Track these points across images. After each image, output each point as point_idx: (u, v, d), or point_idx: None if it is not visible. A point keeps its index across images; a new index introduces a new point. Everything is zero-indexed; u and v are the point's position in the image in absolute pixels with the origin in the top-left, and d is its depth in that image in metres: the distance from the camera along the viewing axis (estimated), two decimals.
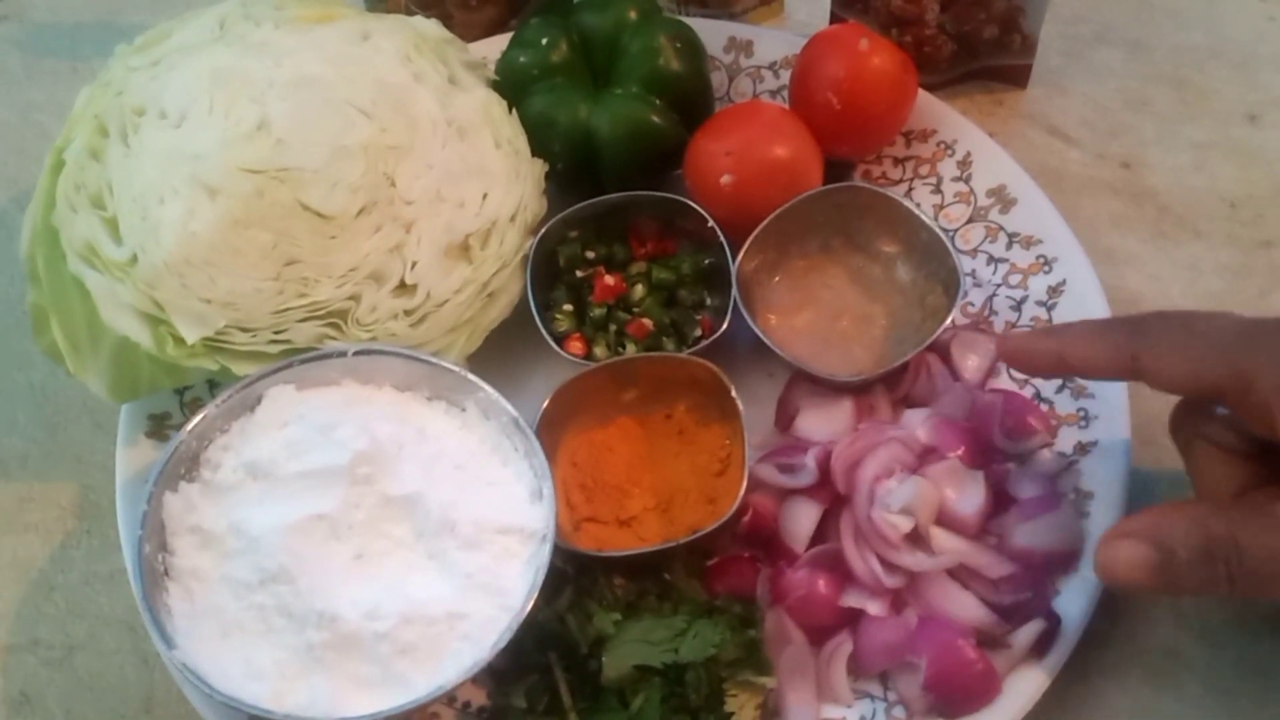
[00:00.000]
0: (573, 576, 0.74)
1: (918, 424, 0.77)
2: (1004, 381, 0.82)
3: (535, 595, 0.68)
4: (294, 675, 0.67)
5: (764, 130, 0.84)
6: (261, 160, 0.77)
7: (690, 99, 0.88)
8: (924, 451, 0.76)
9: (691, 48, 0.88)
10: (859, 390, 0.81)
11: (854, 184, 0.85)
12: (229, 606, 0.69)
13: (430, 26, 0.88)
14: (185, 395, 0.83)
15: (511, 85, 0.88)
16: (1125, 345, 0.66)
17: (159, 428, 0.82)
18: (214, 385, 0.83)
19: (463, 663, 0.67)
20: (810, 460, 0.75)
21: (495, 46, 0.94)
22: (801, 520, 0.75)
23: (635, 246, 0.88)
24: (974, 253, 0.87)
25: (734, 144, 0.83)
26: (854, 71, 0.84)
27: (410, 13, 1.00)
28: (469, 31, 1.00)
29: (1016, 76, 0.98)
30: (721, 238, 0.84)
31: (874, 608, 0.72)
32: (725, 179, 0.83)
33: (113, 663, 0.80)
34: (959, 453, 0.75)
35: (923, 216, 0.83)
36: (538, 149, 0.86)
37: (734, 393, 0.77)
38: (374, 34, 0.85)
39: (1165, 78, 1.00)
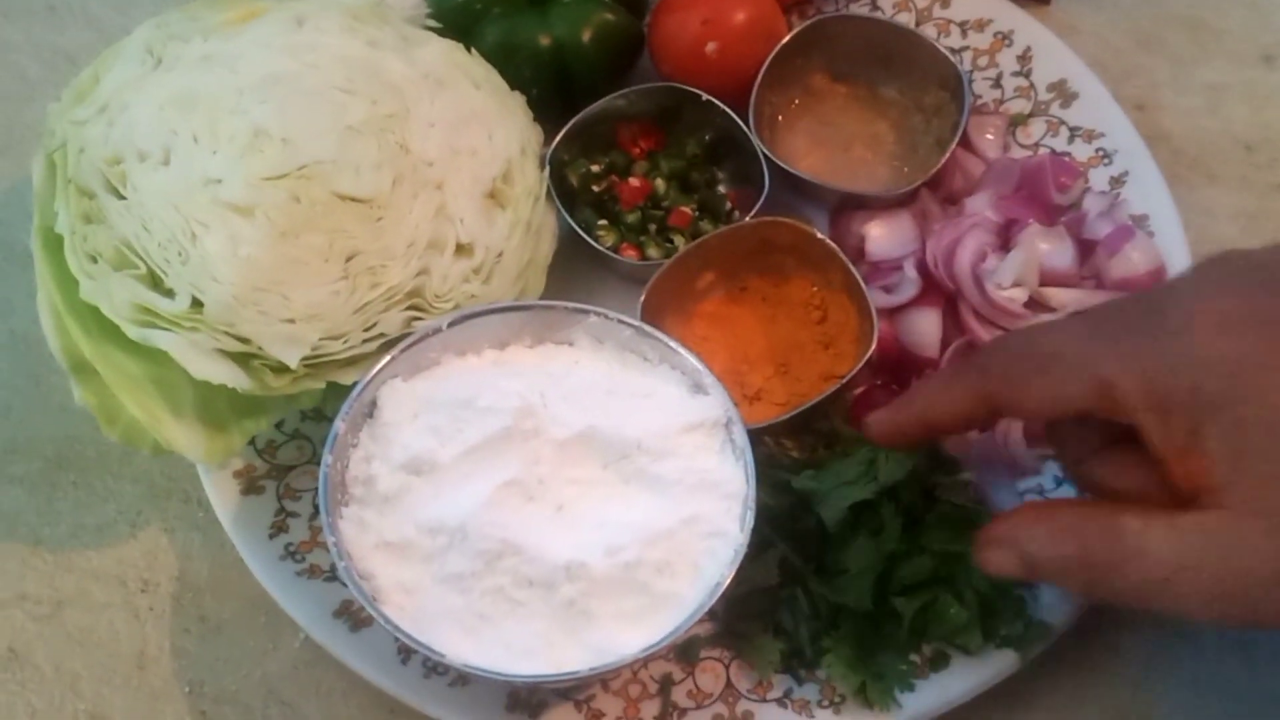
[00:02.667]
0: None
1: (985, 206, 0.80)
2: (1018, 152, 0.86)
3: (754, 472, 0.67)
4: (561, 639, 0.64)
5: None
6: (278, 166, 0.71)
7: None
8: (1002, 228, 0.79)
9: None
10: (907, 201, 0.83)
11: (820, 17, 0.86)
12: (457, 604, 0.65)
13: None
14: (257, 442, 0.77)
15: (455, 27, 0.84)
16: (977, 388, 0.62)
17: (250, 483, 0.76)
18: (281, 423, 0.78)
19: (721, 557, 0.65)
20: (910, 270, 0.78)
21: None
22: (926, 328, 0.77)
23: (629, 149, 0.87)
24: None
25: (707, 11, 0.83)
26: None
27: None
28: None
29: None
30: (721, 105, 0.83)
31: None
32: (710, 47, 0.83)
33: (103, 617, 0.77)
34: (1032, 217, 0.79)
35: (893, 23, 0.86)
36: (506, 80, 0.83)
37: (820, 234, 0.78)
38: (307, 17, 0.79)
39: (1179, 18, 0.96)
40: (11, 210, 0.75)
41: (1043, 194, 0.81)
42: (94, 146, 0.72)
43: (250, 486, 0.76)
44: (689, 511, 0.67)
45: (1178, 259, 0.79)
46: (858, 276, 0.77)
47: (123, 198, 0.71)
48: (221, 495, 0.75)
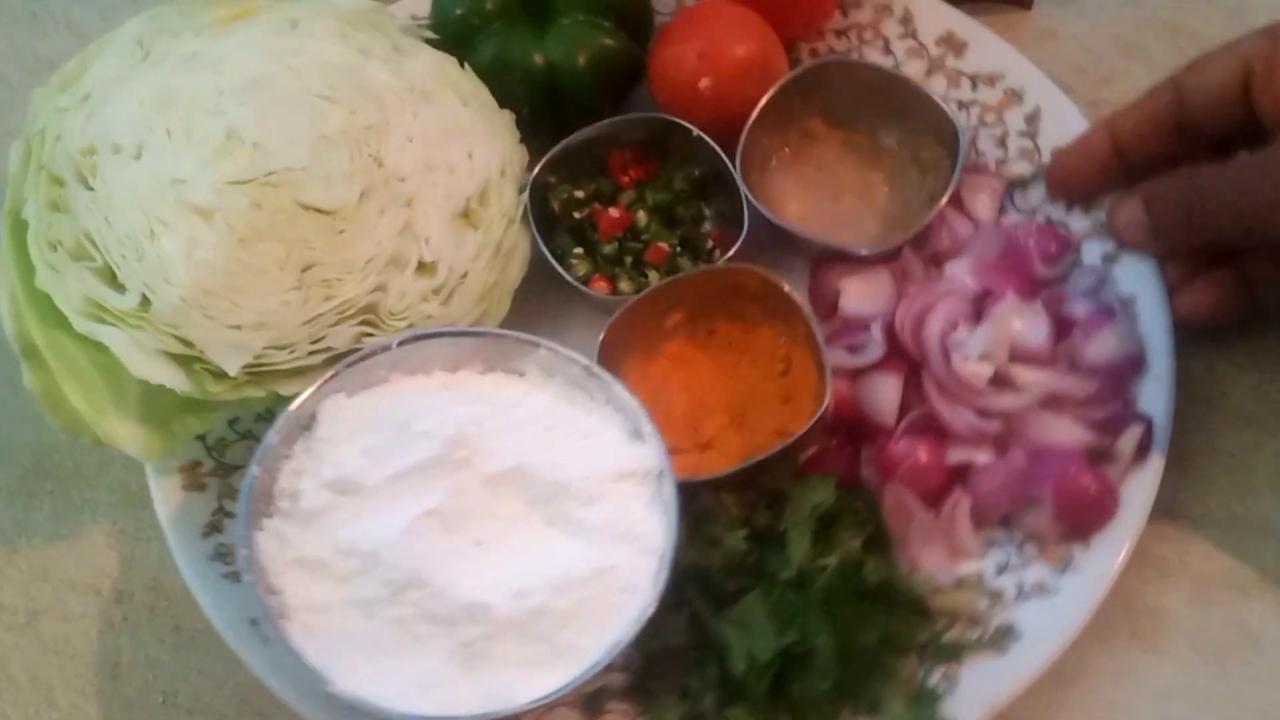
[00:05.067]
0: (683, 508, 0.72)
1: (964, 273, 0.78)
2: (1014, 217, 0.84)
3: (676, 529, 0.67)
4: (456, 678, 0.64)
5: (728, 27, 0.82)
6: (246, 170, 0.71)
7: (634, 14, 0.86)
8: (978, 297, 0.77)
9: None
10: (888, 259, 0.81)
11: (822, 60, 0.85)
12: (362, 630, 0.65)
13: (354, 1, 0.83)
14: (208, 438, 0.78)
15: (452, 40, 0.84)
16: (1168, 82, 0.73)
17: (194, 478, 0.77)
18: (234, 421, 0.78)
19: (628, 615, 0.65)
20: (876, 333, 0.76)
21: (416, 5, 0.89)
22: (885, 394, 0.75)
23: (618, 176, 0.86)
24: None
25: (705, 45, 0.81)
26: None
27: None
28: None
29: None
30: (711, 143, 0.82)
31: (981, 457, 0.73)
32: (704, 83, 0.81)
33: (78, 627, 0.78)
34: (1010, 290, 0.77)
35: (897, 73, 0.84)
36: (498, 98, 0.83)
37: (786, 287, 0.77)
38: (301, 20, 0.79)
39: (1160, 22, 0.94)
40: None
41: (1025, 264, 0.79)
42: (71, 135, 0.73)
43: (193, 482, 0.76)
44: (606, 562, 0.66)
45: (1158, 345, 0.76)
46: (817, 333, 0.75)
47: (91, 189, 0.71)
48: (163, 488, 0.76)
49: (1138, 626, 0.75)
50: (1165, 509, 0.75)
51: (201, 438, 0.77)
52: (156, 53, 0.76)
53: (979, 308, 0.77)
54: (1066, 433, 0.73)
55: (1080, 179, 0.80)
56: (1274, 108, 0.69)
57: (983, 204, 0.82)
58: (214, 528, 0.75)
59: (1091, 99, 0.88)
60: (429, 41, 0.84)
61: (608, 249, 0.83)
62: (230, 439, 0.78)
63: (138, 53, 0.77)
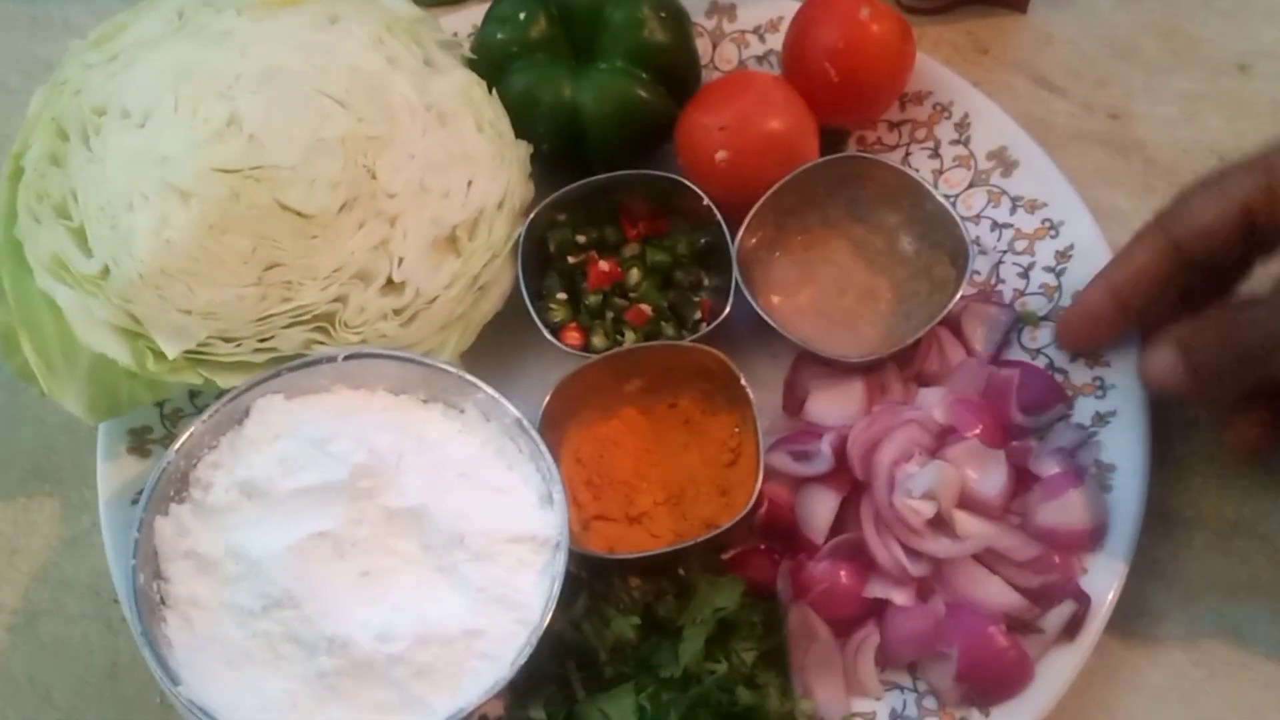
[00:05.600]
0: (586, 581, 0.72)
1: (934, 404, 0.75)
2: (1016, 353, 0.80)
3: (553, 607, 0.65)
4: (307, 705, 0.64)
5: (758, 102, 0.80)
6: (234, 159, 0.72)
7: (677, 71, 0.85)
8: (942, 432, 0.74)
9: (676, 18, 0.84)
10: (869, 369, 0.78)
11: (853, 154, 0.82)
12: (233, 635, 0.66)
13: (401, 5, 0.83)
14: (165, 407, 0.79)
15: (490, 64, 0.84)
16: (1156, 233, 0.70)
17: (140, 442, 0.78)
18: (195, 395, 0.80)
19: (483, 682, 0.64)
20: (825, 447, 0.73)
21: (467, 20, 0.90)
22: (820, 509, 0.73)
23: (626, 227, 0.84)
24: (977, 218, 0.84)
25: (728, 118, 0.79)
26: (853, 41, 0.80)
27: None
28: None
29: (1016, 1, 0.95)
30: (718, 216, 0.80)
31: (900, 597, 0.70)
32: (720, 155, 0.79)
33: (77, 628, 0.78)
34: (977, 432, 0.73)
35: (926, 185, 0.80)
36: (521, 130, 0.82)
37: (743, 381, 0.75)
38: (342, 17, 0.80)
39: (1154, 25, 0.95)
40: None
41: (1003, 408, 0.75)
42: (89, 92, 0.75)
43: (138, 446, 0.78)
44: (476, 624, 0.66)
45: (1123, 526, 0.72)
46: (758, 434, 0.73)
47: (90, 150, 0.73)
48: (108, 444, 0.77)
49: (1129, 628, 0.74)
50: (1157, 512, 0.74)
51: (160, 404, 0.79)
52: (193, 25, 0.78)
53: (940, 442, 0.73)
54: (995, 593, 0.70)
55: (1089, 338, 0.77)
56: None
57: (981, 335, 0.79)
58: None
59: (1086, 102, 0.91)
60: (467, 62, 0.83)
61: (592, 300, 0.81)
62: (187, 412, 0.80)
63: (175, 22, 0.79)
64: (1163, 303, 0.73)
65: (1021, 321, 0.80)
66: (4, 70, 1.01)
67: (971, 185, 0.85)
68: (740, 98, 0.81)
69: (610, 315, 0.81)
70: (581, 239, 0.83)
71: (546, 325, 0.80)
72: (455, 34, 0.87)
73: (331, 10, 0.80)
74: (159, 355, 0.71)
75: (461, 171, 0.78)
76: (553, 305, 0.81)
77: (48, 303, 0.72)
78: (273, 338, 0.72)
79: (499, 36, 0.84)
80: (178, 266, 0.71)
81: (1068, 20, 0.96)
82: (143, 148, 0.73)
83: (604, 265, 0.82)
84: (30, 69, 1.00)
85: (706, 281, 0.83)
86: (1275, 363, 0.66)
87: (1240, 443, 0.73)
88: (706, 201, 0.81)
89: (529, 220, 0.81)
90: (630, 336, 0.80)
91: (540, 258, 0.82)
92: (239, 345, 0.72)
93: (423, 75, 0.80)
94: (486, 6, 0.88)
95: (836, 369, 0.78)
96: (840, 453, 0.73)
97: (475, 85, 0.82)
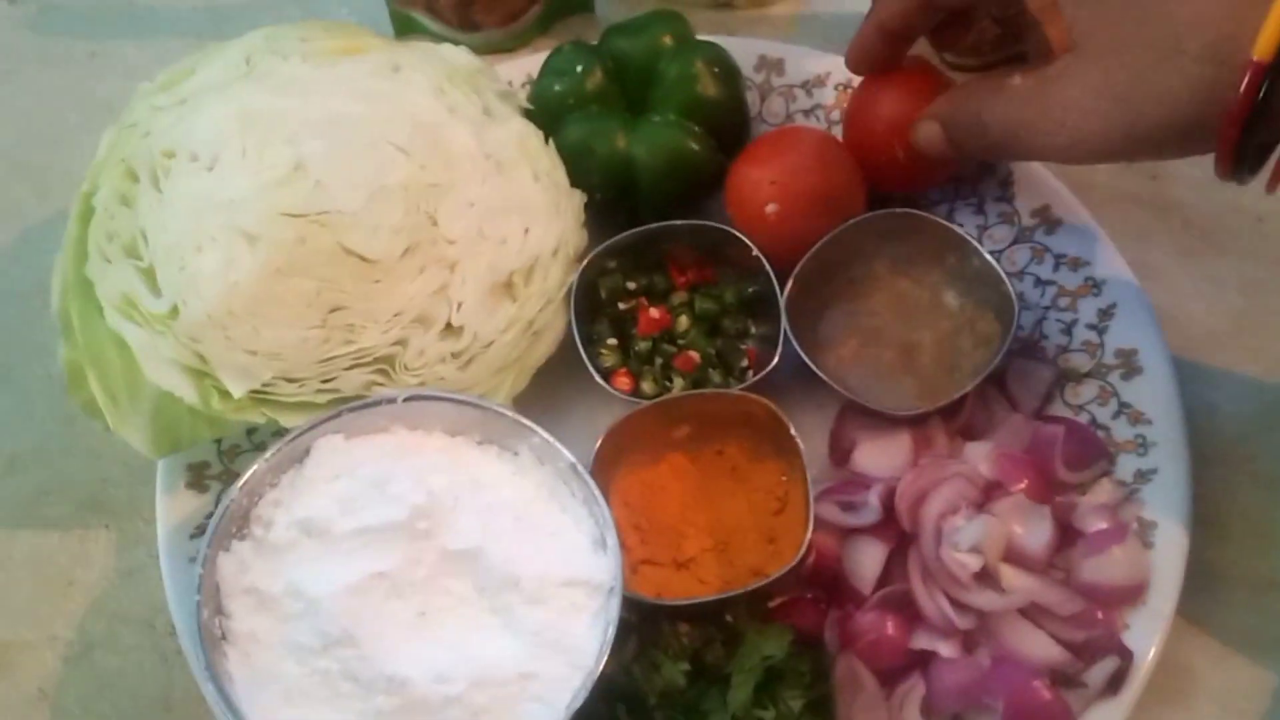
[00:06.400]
0: (636, 625, 0.73)
1: (980, 458, 0.76)
2: (1059, 408, 0.81)
3: (607, 652, 0.67)
4: None
5: (808, 157, 0.82)
6: (301, 204, 0.74)
7: (728, 125, 0.87)
8: (988, 486, 0.75)
9: (728, 73, 0.86)
10: (915, 422, 0.79)
11: (902, 210, 0.83)
12: (291, 672, 0.67)
13: (461, 55, 0.85)
14: (223, 443, 0.81)
15: (546, 114, 0.86)
16: None
17: (198, 478, 0.80)
18: (252, 431, 0.81)
19: None
20: (874, 498, 0.74)
21: (522, 69, 0.92)
22: (867, 560, 0.74)
23: (675, 275, 0.86)
24: (1020, 274, 0.86)
25: (778, 172, 0.81)
26: None
27: (431, 3, 0.99)
28: (490, 17, 1.00)
29: None
30: (766, 266, 0.82)
31: (945, 649, 0.71)
32: (770, 208, 0.81)
33: (131, 660, 0.79)
34: (1023, 486, 0.74)
35: (974, 242, 0.82)
36: (575, 179, 0.84)
37: (793, 430, 0.76)
38: (404, 66, 0.82)
39: None
40: (50, 258, 0.76)
41: (1048, 464, 0.76)
42: (158, 134, 0.77)
43: (196, 481, 0.79)
44: (530, 668, 0.67)
45: (1166, 582, 0.73)
46: (809, 484, 0.74)
47: (159, 191, 0.75)
48: (167, 479, 0.79)
49: (1165, 684, 0.74)
50: (1197, 569, 0.74)
51: (217, 441, 0.80)
52: (260, 71, 0.80)
53: (987, 496, 0.75)
54: (1039, 647, 0.71)
55: (867, 63, 0.83)
56: (1057, 37, 0.70)
57: (1027, 391, 0.80)
58: (203, 531, 0.78)
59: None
60: (524, 111, 0.85)
61: (641, 346, 0.83)
62: (244, 448, 0.81)
63: (243, 67, 0.81)
64: (920, 32, 0.81)
65: (1064, 378, 0.82)
66: (63, 108, 1.04)
67: (1015, 241, 0.87)
68: (791, 152, 0.82)
69: (660, 361, 0.83)
70: (632, 285, 0.85)
71: (598, 370, 0.81)
72: (510, 83, 0.89)
73: (394, 59, 0.82)
74: (224, 394, 0.73)
75: (518, 219, 0.80)
76: (603, 351, 0.83)
77: (115, 340, 0.73)
78: (335, 379, 0.74)
79: (556, 89, 0.86)
80: (244, 308, 0.72)
81: None
82: (210, 191, 0.74)
83: (654, 312, 0.84)
84: (89, 107, 1.03)
85: (753, 330, 0.85)
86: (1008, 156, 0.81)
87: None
88: (755, 252, 0.82)
89: (582, 267, 0.82)
90: (679, 382, 0.82)
91: (591, 303, 0.84)
92: (301, 386, 0.73)
93: (481, 124, 0.82)
94: (540, 56, 0.91)
95: (882, 420, 0.79)
96: (888, 504, 0.74)
97: (532, 135, 0.83)
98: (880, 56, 0.82)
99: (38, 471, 0.86)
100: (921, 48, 0.85)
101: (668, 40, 0.86)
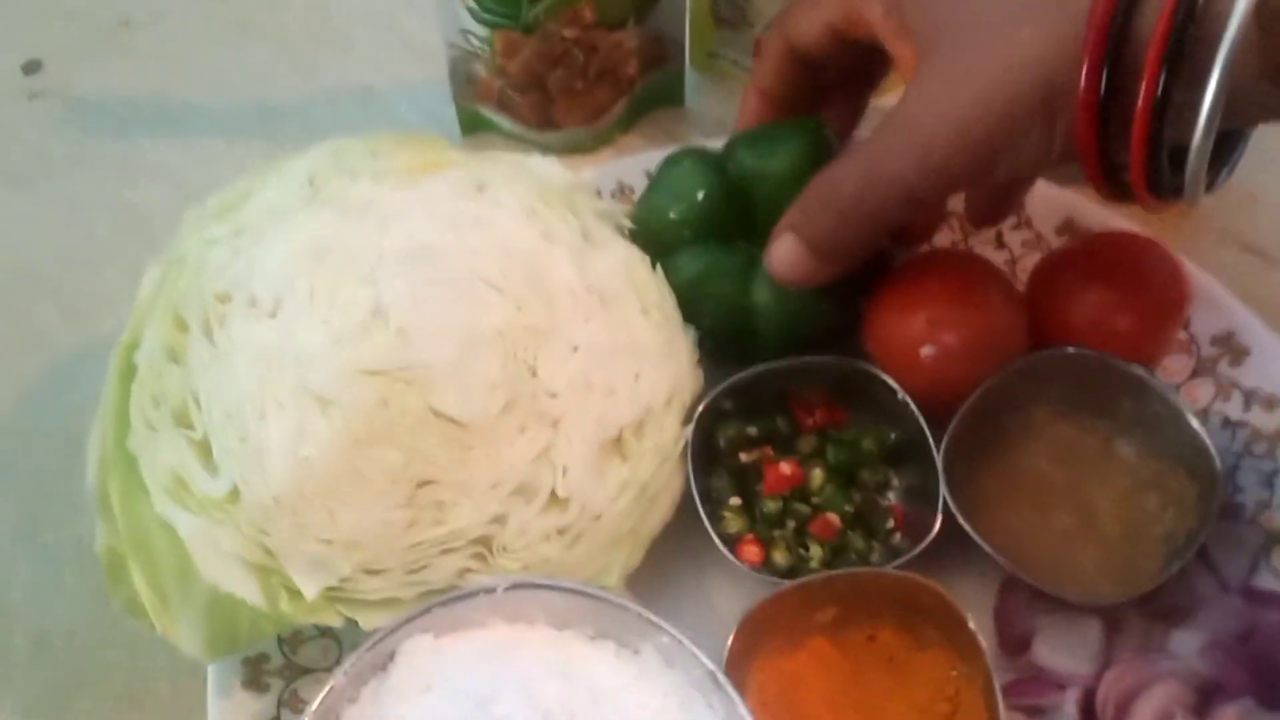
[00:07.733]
0: None
1: (1193, 653, 0.64)
2: (1266, 578, 0.69)
3: None
4: None
5: (969, 291, 0.70)
6: (382, 359, 0.63)
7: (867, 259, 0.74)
8: (1204, 686, 0.63)
9: None
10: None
11: (1075, 349, 0.71)
12: None
13: (553, 169, 0.74)
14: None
15: (652, 239, 0.74)
16: (778, 32, 0.71)
17: (256, 675, 0.68)
18: None
19: None
20: (1071, 706, 0.62)
21: (610, 175, 0.82)
22: None
23: (801, 417, 0.74)
24: (1204, 413, 0.74)
25: (935, 310, 0.69)
26: (1131, 303, 0.73)
27: (504, 100, 0.87)
28: (571, 116, 0.90)
29: None
30: (914, 412, 0.70)
31: None
32: (926, 350, 0.69)
33: None
34: (1249, 687, 0.62)
35: (1155, 383, 0.70)
36: (684, 315, 0.72)
37: (972, 625, 0.64)
38: (490, 184, 0.71)
39: None
40: (81, 393, 0.65)
41: (1272, 655, 0.64)
42: (212, 273, 0.66)
43: (254, 679, 0.68)
44: None
45: None
46: (997, 690, 0.62)
47: (213, 343, 0.64)
48: (220, 679, 0.67)
49: None
50: None
51: None
52: (326, 193, 0.69)
53: (1205, 700, 0.62)
54: None
55: (755, 123, 0.76)
56: (906, 58, 0.64)
57: (1233, 562, 0.68)
58: None
59: None
60: (626, 230, 0.74)
61: (770, 506, 0.71)
62: (306, 635, 0.69)
63: (306, 189, 0.69)
64: (800, 93, 0.74)
65: (1271, 541, 0.69)
66: (91, 217, 0.92)
67: (1195, 374, 0.75)
68: (947, 284, 0.71)
69: (792, 524, 0.71)
70: (753, 431, 0.73)
71: (720, 537, 0.69)
72: (599, 191, 0.78)
73: (478, 176, 0.71)
74: (294, 594, 0.61)
75: (627, 363, 0.68)
76: (726, 513, 0.71)
77: (162, 526, 0.61)
78: (424, 568, 0.62)
79: (670, 215, 0.74)
80: (318, 488, 0.60)
81: (1272, 179, 0.86)
82: (275, 343, 0.63)
83: (784, 467, 0.72)
84: (120, 217, 0.91)
85: (895, 483, 0.73)
86: (877, 214, 0.65)
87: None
88: (902, 396, 0.71)
89: (698, 413, 0.71)
90: (815, 551, 0.70)
91: (708, 455, 0.72)
92: (385, 578, 0.62)
93: (581, 251, 0.70)
94: (628, 161, 0.80)
95: (1061, 604, 0.67)
96: (1087, 710, 0.62)
97: (638, 261, 0.72)
98: (768, 118, 0.76)
99: (69, 658, 0.73)
100: None
101: (802, 160, 0.72)
